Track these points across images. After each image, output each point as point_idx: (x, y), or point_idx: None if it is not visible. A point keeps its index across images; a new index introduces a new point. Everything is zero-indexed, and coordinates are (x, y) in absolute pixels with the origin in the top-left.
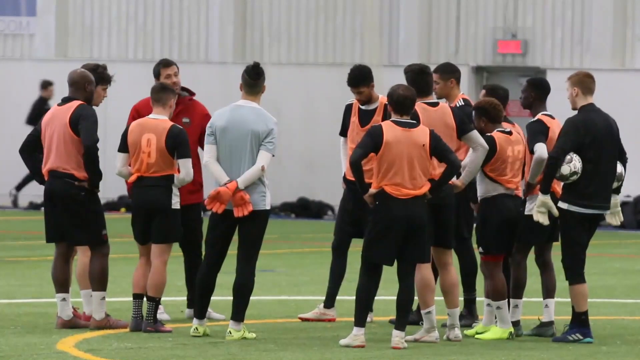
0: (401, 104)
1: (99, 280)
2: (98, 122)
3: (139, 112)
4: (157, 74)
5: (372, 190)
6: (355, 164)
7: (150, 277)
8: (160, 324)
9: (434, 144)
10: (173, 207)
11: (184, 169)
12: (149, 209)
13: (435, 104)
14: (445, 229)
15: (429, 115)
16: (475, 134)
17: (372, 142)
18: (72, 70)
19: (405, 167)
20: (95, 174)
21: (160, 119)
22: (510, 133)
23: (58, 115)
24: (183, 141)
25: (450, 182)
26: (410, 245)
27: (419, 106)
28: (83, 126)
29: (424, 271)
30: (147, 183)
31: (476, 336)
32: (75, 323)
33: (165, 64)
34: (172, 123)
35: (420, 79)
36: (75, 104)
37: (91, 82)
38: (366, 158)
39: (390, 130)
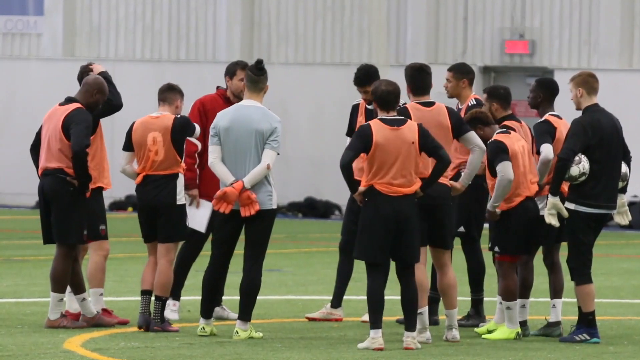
0: (385, 100)
1: (53, 279)
2: (91, 126)
3: (204, 104)
4: (232, 73)
5: (361, 188)
6: (346, 167)
7: (157, 277)
8: (167, 324)
9: (423, 140)
10: (178, 202)
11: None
12: (153, 206)
13: (430, 104)
14: (442, 230)
15: (422, 115)
16: (471, 134)
17: (362, 144)
18: (90, 75)
19: (395, 166)
20: (83, 178)
21: (162, 114)
22: (508, 132)
23: (56, 115)
24: (188, 126)
25: (450, 184)
26: (401, 244)
27: (412, 106)
28: (74, 130)
29: (417, 272)
30: (152, 181)
31: (483, 336)
32: (100, 320)
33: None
34: (173, 116)
35: (418, 77)
36: (72, 106)
37: (101, 92)
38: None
39: (379, 130)
